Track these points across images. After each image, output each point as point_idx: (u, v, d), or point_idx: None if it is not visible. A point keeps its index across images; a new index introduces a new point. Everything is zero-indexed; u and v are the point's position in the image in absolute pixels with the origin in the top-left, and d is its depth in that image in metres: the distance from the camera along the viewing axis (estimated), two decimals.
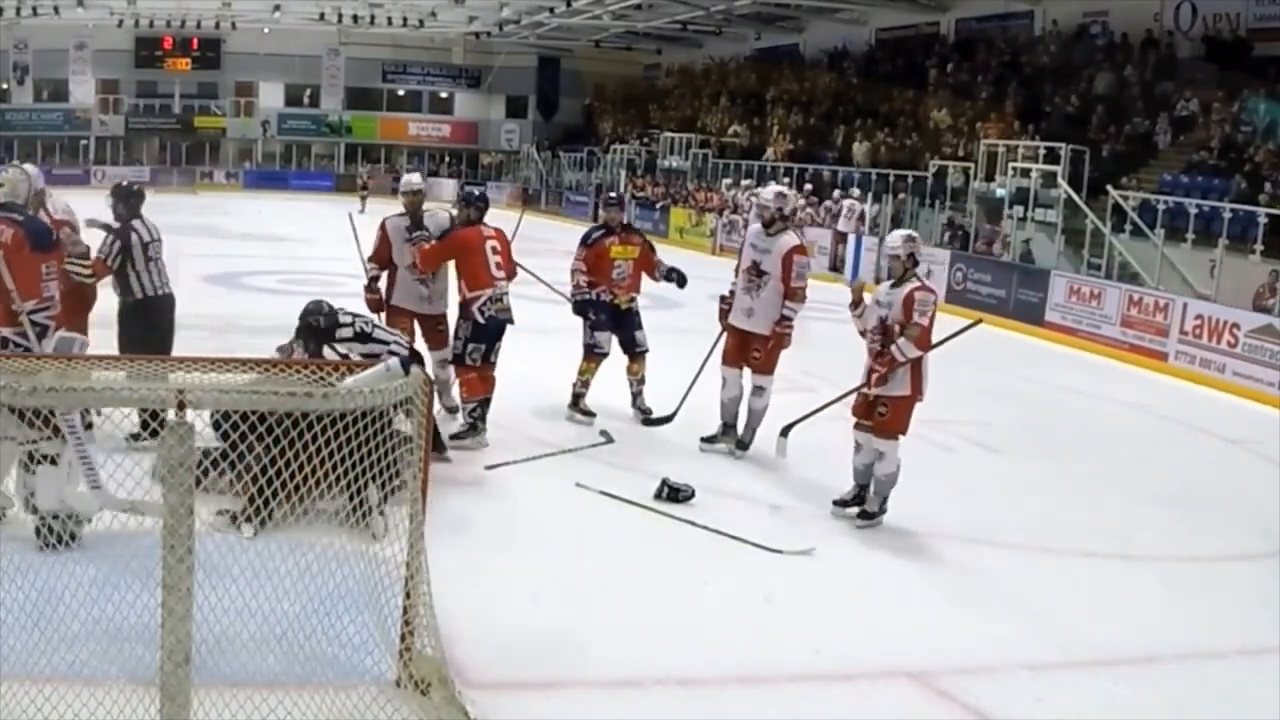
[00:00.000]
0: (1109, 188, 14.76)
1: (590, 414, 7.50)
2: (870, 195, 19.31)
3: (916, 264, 5.94)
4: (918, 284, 5.87)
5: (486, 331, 6.76)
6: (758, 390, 6.96)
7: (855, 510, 5.98)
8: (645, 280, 7.86)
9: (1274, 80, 15.78)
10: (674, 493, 6.06)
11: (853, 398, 6.06)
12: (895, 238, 6.06)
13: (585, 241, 7.67)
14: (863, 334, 6.00)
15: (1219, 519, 6.63)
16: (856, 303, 6.08)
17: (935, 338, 5.86)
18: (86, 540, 4.38)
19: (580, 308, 7.59)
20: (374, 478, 3.52)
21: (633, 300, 7.66)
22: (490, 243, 6.85)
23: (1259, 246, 12.56)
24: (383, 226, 7.28)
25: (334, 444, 3.29)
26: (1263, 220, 12.62)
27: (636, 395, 7.71)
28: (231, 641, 3.49)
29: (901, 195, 18.96)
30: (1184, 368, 11.68)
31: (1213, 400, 10.70)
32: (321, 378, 3.57)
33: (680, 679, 4.12)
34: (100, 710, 3.33)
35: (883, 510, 5.92)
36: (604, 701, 3.95)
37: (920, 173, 19.17)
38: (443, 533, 4.50)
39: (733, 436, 7.04)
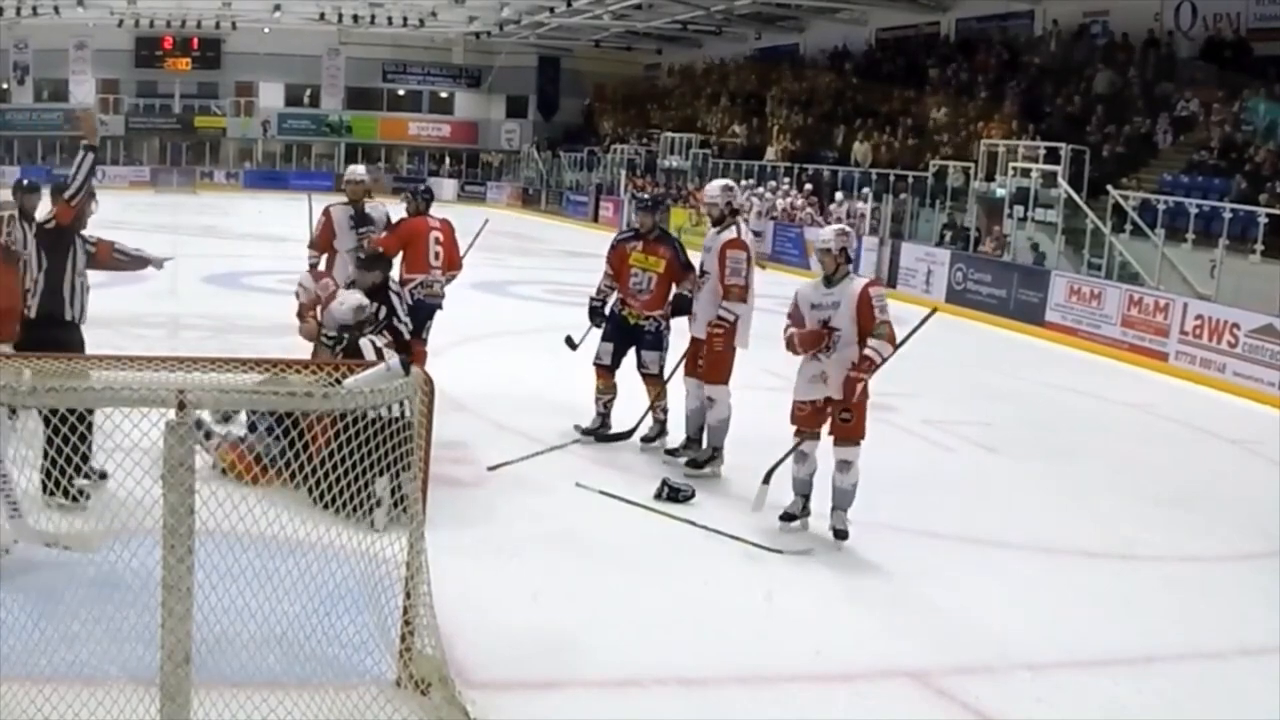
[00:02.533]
0: (1109, 188, 14.76)
1: (608, 438, 7.07)
2: (870, 195, 19.33)
3: (850, 260, 5.67)
4: (865, 279, 5.65)
5: (415, 313, 7.14)
6: (709, 402, 6.60)
7: (797, 523, 5.70)
8: None
9: (1274, 80, 15.78)
10: (674, 493, 6.06)
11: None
12: (827, 232, 5.74)
13: (612, 244, 7.25)
14: (790, 345, 5.64)
15: (1219, 519, 6.63)
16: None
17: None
18: (86, 540, 4.38)
19: (591, 313, 7.16)
20: (386, 468, 3.55)
21: (648, 319, 6.94)
22: (434, 234, 7.65)
23: (1259, 246, 12.57)
24: (327, 213, 7.84)
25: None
26: (1263, 220, 12.62)
27: (649, 421, 7.08)
28: (231, 641, 3.49)
29: (902, 195, 18.96)
30: (1184, 368, 11.67)
31: (1213, 400, 10.70)
32: (322, 377, 3.57)
33: (680, 679, 4.13)
34: (100, 710, 3.33)
35: (849, 523, 5.59)
36: (604, 701, 3.95)
37: (920, 173, 19.17)
38: (443, 532, 4.50)
39: (695, 449, 6.72)
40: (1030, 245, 15.83)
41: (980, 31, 23.65)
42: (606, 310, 7.10)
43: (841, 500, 5.57)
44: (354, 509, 3.51)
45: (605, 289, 7.12)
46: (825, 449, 5.66)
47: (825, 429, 5.61)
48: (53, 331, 5.36)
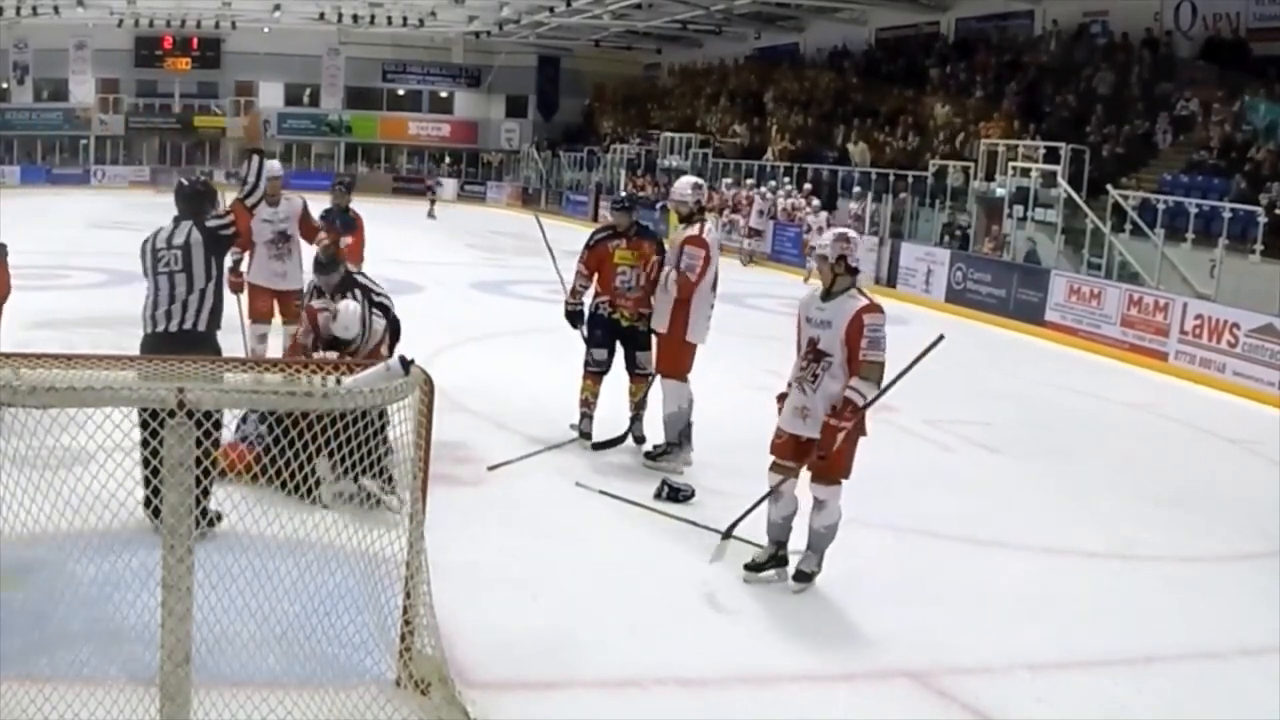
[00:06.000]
0: (1109, 187, 14.77)
1: (587, 435, 6.96)
2: (863, 195, 19.40)
3: (853, 270, 4.88)
4: (864, 301, 4.81)
5: None
6: (660, 392, 6.62)
7: (772, 571, 5.08)
8: None
9: (1274, 80, 15.79)
10: (674, 493, 6.06)
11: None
12: (826, 237, 5.04)
13: (588, 243, 6.92)
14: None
15: (1219, 519, 6.63)
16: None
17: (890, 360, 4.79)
18: (87, 540, 4.37)
19: (569, 317, 6.95)
20: (368, 468, 3.54)
21: (640, 319, 6.77)
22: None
23: (1259, 246, 12.58)
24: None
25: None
26: (1263, 220, 12.63)
27: (634, 420, 6.96)
28: (231, 641, 3.49)
29: (902, 195, 18.98)
30: (1184, 368, 11.68)
31: (1213, 400, 10.71)
32: (323, 378, 3.56)
33: (680, 679, 4.12)
34: (100, 710, 3.33)
35: (819, 568, 5.04)
36: (604, 701, 3.95)
37: (920, 173, 19.18)
38: (443, 533, 4.49)
39: (680, 448, 6.69)
40: (1026, 239, 15.85)
41: (980, 31, 23.66)
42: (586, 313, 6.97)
43: (815, 541, 4.99)
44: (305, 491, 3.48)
45: (581, 290, 6.91)
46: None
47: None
48: (217, 344, 5.08)
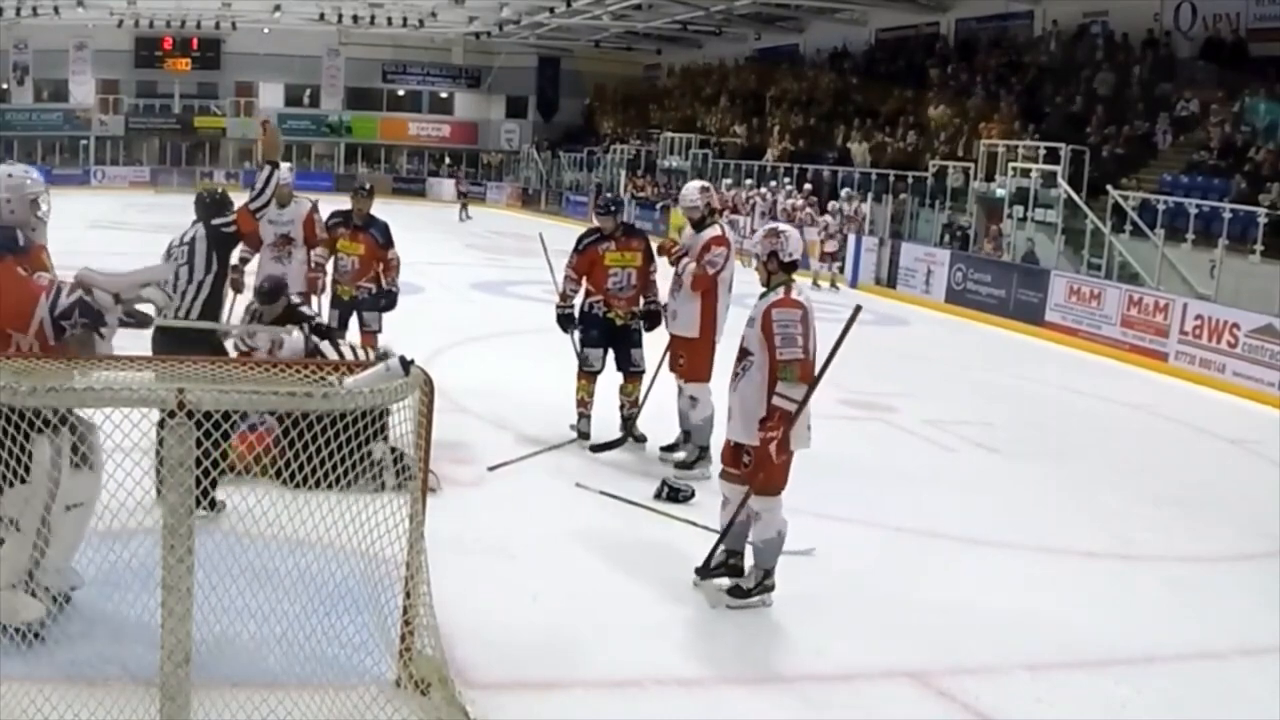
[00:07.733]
0: (1109, 188, 14.77)
1: (585, 434, 7.04)
2: (870, 195, 19.38)
3: (785, 266, 4.67)
4: (777, 296, 4.59)
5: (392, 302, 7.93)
6: (690, 401, 6.60)
7: (727, 580, 4.86)
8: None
9: (1274, 80, 15.78)
10: (674, 493, 6.06)
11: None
12: (757, 234, 4.90)
13: (577, 247, 6.98)
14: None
15: (1219, 519, 6.63)
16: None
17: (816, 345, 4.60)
18: (87, 540, 4.38)
19: (560, 321, 7.02)
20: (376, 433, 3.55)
21: (633, 316, 6.92)
22: None
23: (1259, 246, 12.58)
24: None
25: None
26: (1263, 220, 12.63)
27: (628, 419, 7.05)
28: (231, 641, 3.49)
29: (902, 195, 18.98)
30: (1184, 368, 11.68)
31: (1213, 400, 10.70)
32: (321, 377, 3.56)
33: (680, 679, 4.13)
34: (100, 710, 3.32)
35: (763, 586, 4.74)
36: (604, 701, 3.95)
37: (920, 173, 19.18)
38: (443, 532, 4.49)
39: (688, 446, 6.72)
40: (1026, 240, 15.85)
41: (980, 31, 23.66)
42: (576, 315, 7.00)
43: (755, 556, 4.76)
44: (366, 480, 3.50)
45: (572, 294, 7.00)
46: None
47: None
48: (215, 337, 5.20)
